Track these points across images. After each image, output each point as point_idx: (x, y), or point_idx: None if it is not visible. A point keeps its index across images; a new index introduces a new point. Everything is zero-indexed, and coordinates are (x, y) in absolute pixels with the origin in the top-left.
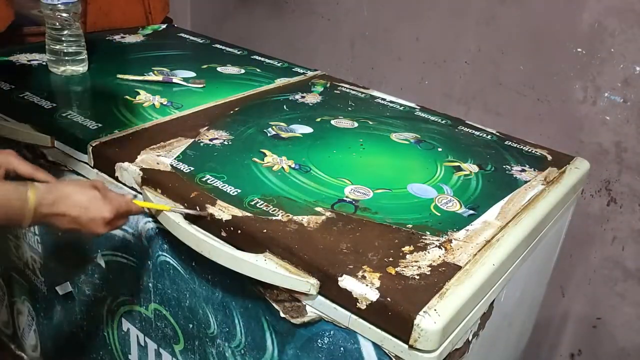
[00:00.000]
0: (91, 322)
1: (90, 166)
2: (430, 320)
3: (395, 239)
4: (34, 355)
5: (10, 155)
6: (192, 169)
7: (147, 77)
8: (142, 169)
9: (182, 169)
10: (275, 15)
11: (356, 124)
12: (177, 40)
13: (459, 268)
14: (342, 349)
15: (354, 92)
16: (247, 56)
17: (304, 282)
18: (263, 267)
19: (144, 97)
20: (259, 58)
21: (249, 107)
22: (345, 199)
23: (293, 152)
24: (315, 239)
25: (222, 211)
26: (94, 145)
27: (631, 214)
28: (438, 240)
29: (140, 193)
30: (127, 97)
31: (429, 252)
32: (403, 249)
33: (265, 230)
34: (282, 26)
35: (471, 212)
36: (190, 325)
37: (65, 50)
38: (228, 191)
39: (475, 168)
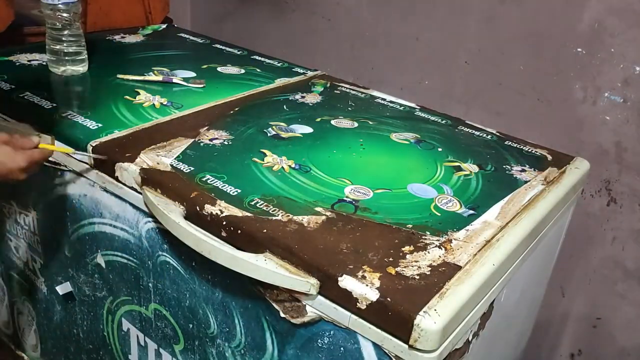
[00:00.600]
0: (91, 322)
1: (91, 166)
2: (430, 320)
3: (395, 239)
4: (34, 355)
5: None
6: (192, 169)
7: (147, 77)
8: (142, 169)
9: (182, 169)
10: (275, 15)
11: (356, 124)
12: (177, 40)
13: (459, 268)
14: (342, 349)
15: (354, 92)
16: (247, 56)
17: (304, 282)
18: (263, 267)
19: (144, 97)
20: (259, 58)
21: (249, 107)
22: (345, 199)
23: (293, 152)
24: (315, 239)
25: (222, 211)
26: (94, 145)
27: (631, 214)
28: (438, 240)
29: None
30: (127, 97)
31: (429, 252)
32: (403, 249)
33: (265, 230)
34: (282, 26)
35: (471, 212)
36: (190, 325)
37: (65, 50)
38: (228, 191)
39: (475, 168)
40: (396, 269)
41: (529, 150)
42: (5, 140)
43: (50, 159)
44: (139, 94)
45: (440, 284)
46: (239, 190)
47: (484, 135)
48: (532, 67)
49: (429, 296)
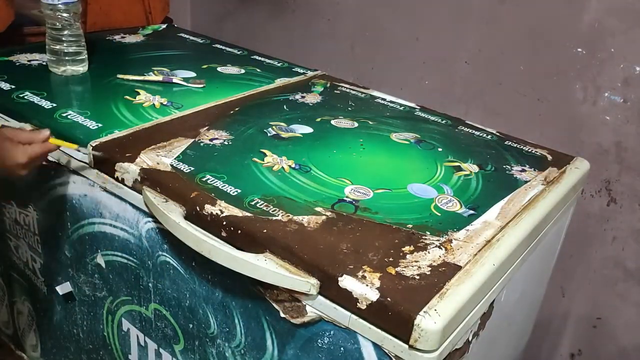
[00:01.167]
0: (91, 322)
1: (91, 166)
2: (431, 320)
3: (396, 239)
4: (34, 355)
5: None
6: (192, 169)
7: (147, 77)
8: (142, 169)
9: (182, 169)
10: (276, 15)
11: (356, 124)
12: (177, 40)
13: (459, 268)
14: (342, 349)
15: (354, 92)
16: (247, 56)
17: (304, 282)
18: (263, 267)
19: (144, 97)
20: (259, 58)
21: (249, 107)
22: (345, 199)
23: (293, 152)
24: (315, 239)
25: (222, 211)
26: (94, 145)
27: (631, 214)
28: (438, 240)
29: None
30: (127, 97)
31: (429, 252)
32: (403, 249)
33: (265, 230)
34: (282, 26)
35: (471, 212)
36: (190, 325)
37: (65, 50)
38: (228, 191)
39: (475, 168)
40: (396, 269)
41: (529, 150)
42: (8, 136)
43: (50, 159)
44: (139, 94)
45: (441, 284)
46: (239, 190)
47: (484, 135)
48: (532, 67)
49: (429, 296)
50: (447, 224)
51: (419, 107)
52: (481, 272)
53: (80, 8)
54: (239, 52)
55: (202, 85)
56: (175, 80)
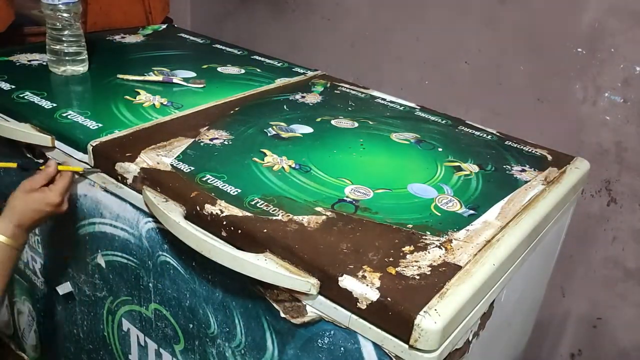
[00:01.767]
0: (91, 322)
1: (91, 166)
2: (431, 320)
3: (396, 238)
4: (34, 356)
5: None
6: (192, 168)
7: (147, 77)
8: (142, 169)
9: (182, 168)
10: (276, 15)
11: (356, 124)
12: (177, 40)
13: (459, 268)
14: (342, 349)
15: (354, 92)
16: (247, 56)
17: (304, 282)
18: (263, 267)
19: (144, 97)
20: (259, 58)
21: (249, 107)
22: (345, 199)
23: (293, 152)
24: (315, 239)
25: (222, 211)
26: (94, 145)
27: (631, 214)
28: (438, 240)
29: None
30: (127, 97)
31: (429, 252)
32: (403, 249)
33: (265, 230)
34: (282, 26)
35: (471, 212)
36: (191, 325)
37: (65, 50)
38: (228, 191)
39: (475, 168)
40: (396, 269)
41: (529, 150)
42: (29, 189)
43: (50, 158)
44: (139, 94)
45: (441, 283)
46: (239, 190)
47: (484, 135)
48: (532, 67)
49: (429, 296)
50: (447, 223)
51: (419, 107)
52: (481, 272)
53: (81, 8)
54: (239, 52)
55: (202, 85)
56: (175, 80)
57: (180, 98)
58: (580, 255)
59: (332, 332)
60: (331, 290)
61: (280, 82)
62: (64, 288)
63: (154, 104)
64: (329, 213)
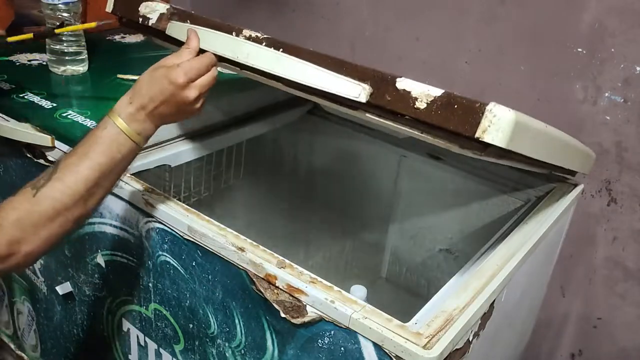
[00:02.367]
0: (91, 322)
1: None
2: (504, 108)
3: None
4: (34, 355)
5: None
6: None
7: None
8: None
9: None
10: (276, 15)
11: None
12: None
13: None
14: (342, 349)
15: None
16: None
17: (355, 85)
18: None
19: None
20: None
21: None
22: None
23: None
24: None
25: None
26: None
27: (632, 214)
28: None
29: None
30: None
31: None
32: None
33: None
34: (282, 26)
35: None
36: (191, 325)
37: (65, 50)
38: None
39: None
40: None
41: None
42: (158, 64)
43: (50, 158)
44: None
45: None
46: None
47: None
48: (532, 67)
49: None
50: None
51: None
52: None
53: (80, 8)
54: None
55: None
56: None
57: None
58: (580, 255)
59: (332, 332)
60: (385, 95)
61: None
62: (64, 288)
63: None
64: None
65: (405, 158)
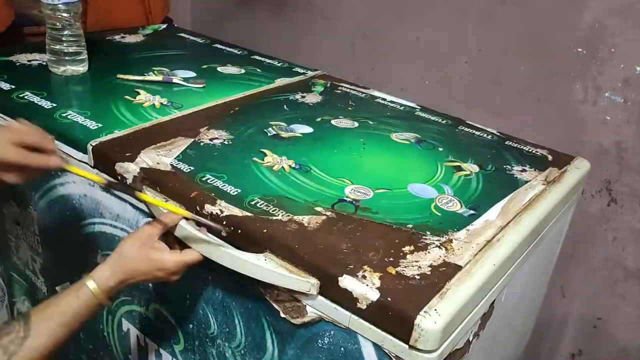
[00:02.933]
0: (91, 322)
1: (91, 166)
2: (431, 320)
3: (396, 238)
4: None
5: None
6: (192, 168)
7: (147, 77)
8: (142, 169)
9: (182, 168)
10: (276, 15)
11: (356, 124)
12: (177, 40)
13: (460, 268)
14: (342, 349)
15: (354, 92)
16: (247, 56)
17: (305, 282)
18: (263, 267)
19: (144, 97)
20: (259, 58)
21: (249, 107)
22: (345, 198)
23: (293, 151)
24: (315, 239)
25: (222, 211)
26: (94, 145)
27: (632, 214)
28: (438, 240)
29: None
30: (127, 97)
31: (429, 252)
32: (403, 249)
33: (265, 230)
34: (282, 26)
35: (472, 212)
36: (190, 326)
37: (65, 50)
38: (228, 191)
39: (475, 168)
40: (397, 269)
41: (530, 150)
42: (146, 240)
43: None
44: (139, 94)
45: (441, 284)
46: (239, 190)
47: (485, 135)
48: (532, 67)
49: (429, 296)
50: (447, 223)
51: (419, 107)
52: (482, 272)
53: (81, 8)
54: (239, 52)
55: (202, 85)
56: (175, 80)
57: (180, 98)
58: (580, 255)
59: (332, 332)
60: (331, 290)
61: (280, 82)
62: (64, 288)
63: (154, 104)
64: (329, 213)
65: None
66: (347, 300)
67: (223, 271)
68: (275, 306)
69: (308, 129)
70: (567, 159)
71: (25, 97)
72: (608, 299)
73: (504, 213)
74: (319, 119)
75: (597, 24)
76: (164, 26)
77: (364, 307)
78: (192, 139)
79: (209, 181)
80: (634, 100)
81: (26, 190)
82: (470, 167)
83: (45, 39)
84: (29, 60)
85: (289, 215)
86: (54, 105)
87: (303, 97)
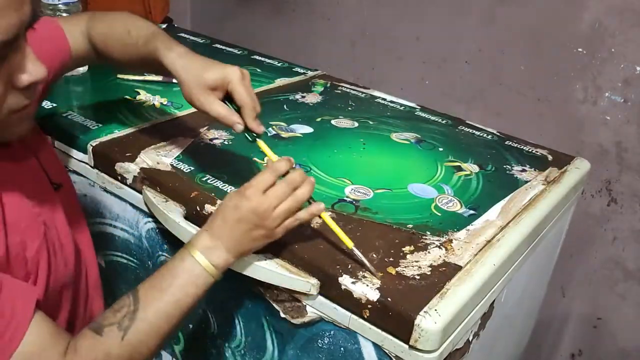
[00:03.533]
0: None
1: (91, 166)
2: (431, 320)
3: (396, 239)
4: None
5: (233, 74)
6: (192, 168)
7: (147, 77)
8: (142, 169)
9: (182, 168)
10: (275, 15)
11: (356, 124)
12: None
13: (460, 268)
14: (342, 349)
15: (354, 92)
16: (247, 56)
17: (305, 282)
18: (264, 267)
19: (144, 97)
20: (259, 58)
21: None
22: (345, 199)
23: (293, 152)
24: (315, 239)
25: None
26: (93, 145)
27: (632, 215)
28: (439, 240)
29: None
30: (127, 97)
31: (429, 252)
32: (403, 249)
33: None
34: (282, 26)
35: (472, 212)
36: (191, 325)
37: None
38: (228, 191)
39: (475, 168)
40: (396, 269)
41: (530, 150)
42: (244, 193)
43: None
44: (139, 94)
45: (441, 284)
46: None
47: (485, 135)
48: (532, 67)
49: (429, 296)
50: (447, 223)
51: (419, 107)
52: (481, 272)
53: (81, 8)
54: (239, 52)
55: None
56: (175, 80)
57: (180, 98)
58: (580, 255)
59: (332, 332)
60: (331, 290)
61: (280, 81)
62: None
63: (154, 104)
64: (329, 213)
65: None
66: (347, 300)
67: (223, 271)
68: (275, 306)
69: (308, 129)
70: (567, 159)
71: None
72: (608, 299)
73: (504, 213)
74: (319, 119)
75: (597, 24)
76: (164, 26)
77: (364, 307)
78: (192, 139)
79: (209, 181)
80: (634, 100)
81: None
82: (470, 167)
83: None
84: None
85: None
86: (54, 105)
87: (303, 97)
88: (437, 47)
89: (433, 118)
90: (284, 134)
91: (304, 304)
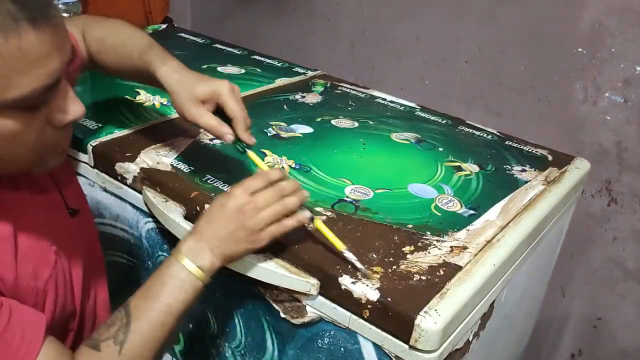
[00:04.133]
0: None
1: (91, 166)
2: (431, 320)
3: (396, 239)
4: None
5: (223, 87)
6: (192, 168)
7: None
8: (142, 169)
9: (182, 168)
10: (276, 15)
11: (356, 124)
12: (177, 40)
13: (460, 268)
14: (342, 349)
15: (354, 92)
16: (247, 56)
17: (305, 282)
18: (263, 267)
19: (144, 97)
20: (259, 58)
21: (249, 107)
22: (345, 199)
23: (293, 152)
24: (315, 239)
25: None
26: (93, 145)
27: (632, 214)
28: (438, 240)
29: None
30: (127, 97)
31: (429, 252)
32: (403, 249)
33: None
34: (282, 26)
35: (472, 212)
36: (190, 325)
37: None
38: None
39: (475, 168)
40: (396, 269)
41: (530, 150)
42: (235, 194)
43: None
44: (139, 94)
45: (441, 284)
46: None
47: (485, 135)
48: (532, 67)
49: (429, 296)
50: (447, 224)
51: (419, 107)
52: (482, 272)
53: (80, 8)
54: (239, 52)
55: None
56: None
57: None
58: (580, 255)
59: (332, 333)
60: (331, 290)
61: (280, 81)
62: None
63: (154, 104)
64: (329, 213)
65: None
66: (347, 300)
67: (223, 271)
68: (275, 306)
69: (308, 129)
70: (567, 159)
71: None
72: (608, 299)
73: (504, 213)
74: (319, 119)
75: (597, 24)
76: (164, 26)
77: (364, 307)
78: (192, 139)
79: (209, 181)
80: (634, 100)
81: None
82: (470, 167)
83: None
84: None
85: None
86: None
87: (303, 97)
88: (437, 47)
89: (433, 118)
90: (284, 134)
91: (304, 304)
